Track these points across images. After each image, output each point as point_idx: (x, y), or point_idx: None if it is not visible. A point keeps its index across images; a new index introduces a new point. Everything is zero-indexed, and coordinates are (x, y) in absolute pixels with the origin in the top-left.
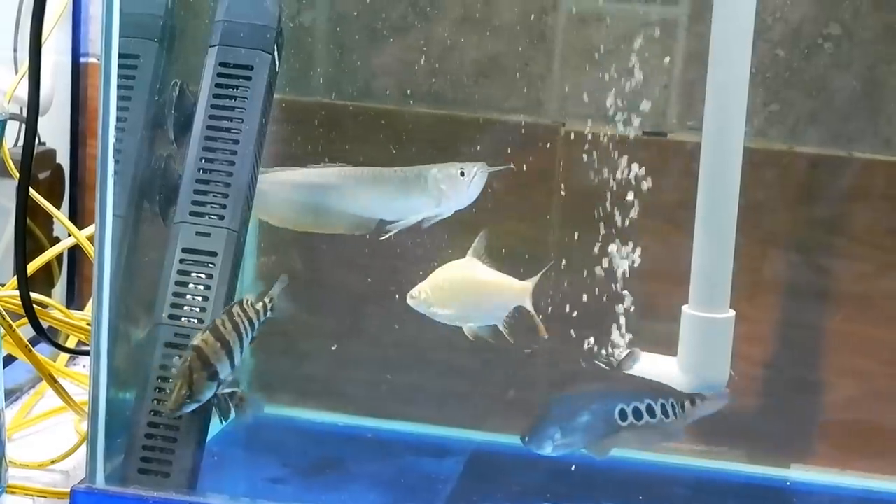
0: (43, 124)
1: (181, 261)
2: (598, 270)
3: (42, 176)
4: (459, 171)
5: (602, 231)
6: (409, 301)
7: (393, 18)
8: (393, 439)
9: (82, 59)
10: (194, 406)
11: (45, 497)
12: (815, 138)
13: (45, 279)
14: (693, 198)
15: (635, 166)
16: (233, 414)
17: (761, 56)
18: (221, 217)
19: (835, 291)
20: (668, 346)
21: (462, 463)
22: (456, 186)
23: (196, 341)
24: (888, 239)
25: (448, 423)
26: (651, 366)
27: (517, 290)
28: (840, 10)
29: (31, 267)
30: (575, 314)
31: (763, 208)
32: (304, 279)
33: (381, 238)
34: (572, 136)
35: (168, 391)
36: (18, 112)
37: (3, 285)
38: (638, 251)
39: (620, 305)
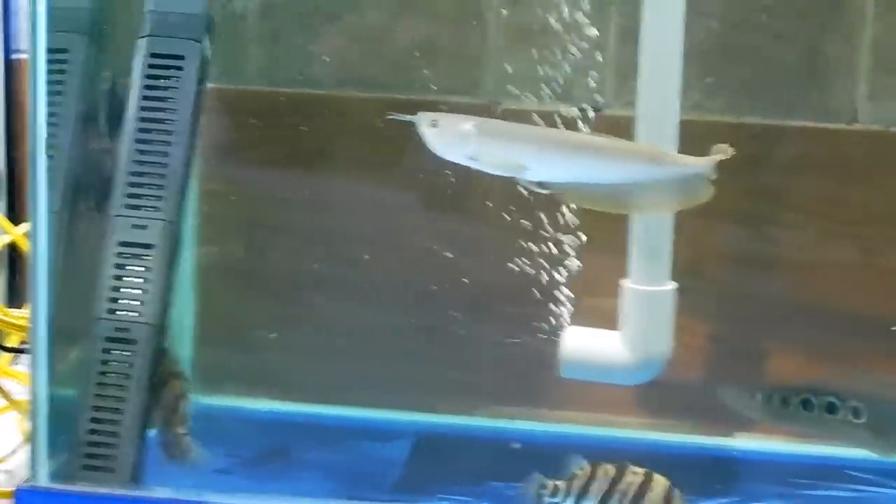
0: None
1: (118, 254)
2: (536, 246)
3: None
4: None
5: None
6: None
7: (326, 3)
8: (338, 425)
9: (13, 56)
10: None
11: None
12: (753, 109)
13: None
14: None
15: None
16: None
17: (696, 28)
18: (157, 209)
19: (778, 261)
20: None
21: (409, 446)
22: None
23: None
24: (830, 207)
25: (393, 406)
26: (594, 340)
27: None
28: None
29: None
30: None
31: None
32: (246, 268)
33: None
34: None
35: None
36: None
37: None
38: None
39: (562, 282)
